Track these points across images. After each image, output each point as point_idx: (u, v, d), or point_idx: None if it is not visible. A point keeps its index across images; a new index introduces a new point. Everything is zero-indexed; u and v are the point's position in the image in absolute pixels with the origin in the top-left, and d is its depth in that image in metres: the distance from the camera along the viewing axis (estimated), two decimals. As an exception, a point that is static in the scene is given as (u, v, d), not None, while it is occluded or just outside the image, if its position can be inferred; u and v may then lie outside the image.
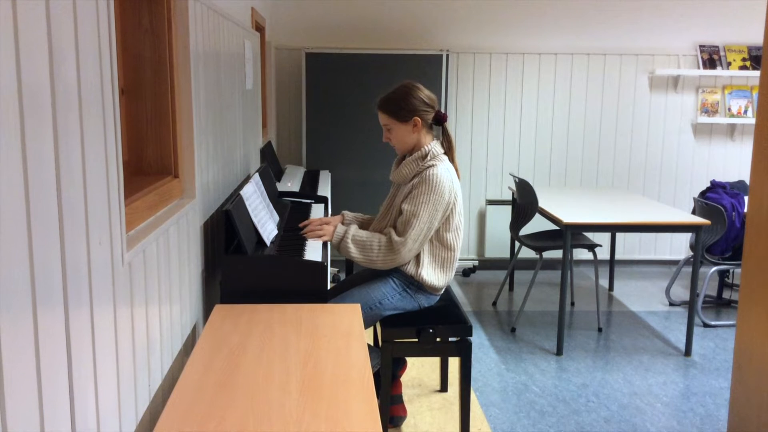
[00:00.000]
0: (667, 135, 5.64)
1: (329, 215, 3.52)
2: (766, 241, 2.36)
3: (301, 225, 2.84)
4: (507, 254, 5.53)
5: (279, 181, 4.23)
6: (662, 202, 5.35)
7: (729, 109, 5.59)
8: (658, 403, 3.34)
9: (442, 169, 2.65)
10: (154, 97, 1.96)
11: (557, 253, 5.45)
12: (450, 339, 2.68)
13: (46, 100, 1.07)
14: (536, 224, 5.20)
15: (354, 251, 2.65)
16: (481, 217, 5.65)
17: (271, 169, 3.71)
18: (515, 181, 4.46)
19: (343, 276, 5.19)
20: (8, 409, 0.93)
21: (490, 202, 5.55)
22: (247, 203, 2.53)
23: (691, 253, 4.05)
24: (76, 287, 1.19)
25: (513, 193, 4.75)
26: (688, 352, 3.94)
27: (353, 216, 2.97)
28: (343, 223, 2.91)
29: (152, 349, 1.71)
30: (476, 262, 5.66)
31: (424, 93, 2.72)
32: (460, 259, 5.60)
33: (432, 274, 2.71)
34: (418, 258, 2.69)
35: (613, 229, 3.81)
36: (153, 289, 1.71)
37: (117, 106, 1.43)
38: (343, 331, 1.96)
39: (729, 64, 5.52)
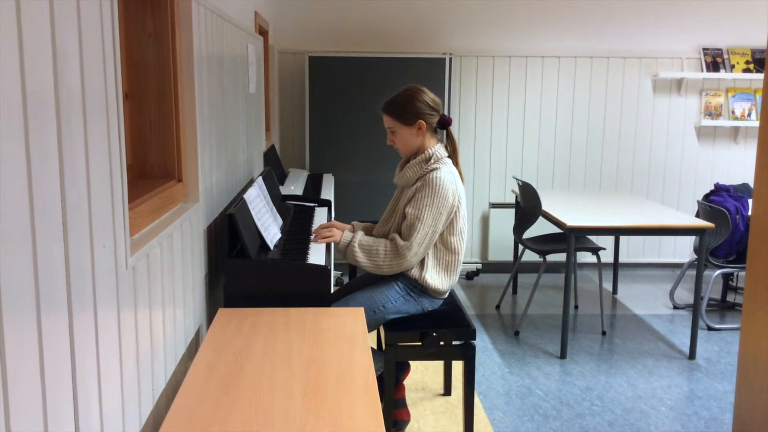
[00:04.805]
0: (670, 138, 5.63)
1: (332, 218, 3.52)
2: (771, 244, 2.35)
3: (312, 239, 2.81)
4: (510, 257, 5.52)
5: (282, 184, 4.23)
6: (666, 205, 5.34)
7: (732, 112, 5.58)
8: (663, 407, 3.33)
9: (446, 172, 2.65)
10: (158, 101, 1.96)
11: (561, 257, 5.44)
12: (453, 342, 2.68)
13: (50, 105, 1.07)
14: (540, 227, 5.19)
15: (360, 256, 2.65)
16: (485, 220, 5.65)
17: (274, 172, 3.71)
18: (518, 184, 4.46)
19: (346, 279, 5.19)
20: (12, 412, 0.93)
21: (494, 206, 5.55)
22: (250, 207, 2.53)
23: (695, 257, 4.04)
24: (80, 291, 1.19)
25: (516, 196, 4.75)
26: (692, 355, 3.93)
27: (363, 226, 2.98)
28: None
29: (156, 352, 1.71)
30: (480, 266, 5.66)
31: (429, 96, 2.72)
32: (463, 263, 5.59)
33: (436, 278, 2.71)
34: (422, 262, 2.69)
35: (617, 232, 3.80)
36: (157, 293, 1.71)
37: (121, 110, 1.44)
38: (347, 335, 1.96)
39: (732, 66, 5.51)
